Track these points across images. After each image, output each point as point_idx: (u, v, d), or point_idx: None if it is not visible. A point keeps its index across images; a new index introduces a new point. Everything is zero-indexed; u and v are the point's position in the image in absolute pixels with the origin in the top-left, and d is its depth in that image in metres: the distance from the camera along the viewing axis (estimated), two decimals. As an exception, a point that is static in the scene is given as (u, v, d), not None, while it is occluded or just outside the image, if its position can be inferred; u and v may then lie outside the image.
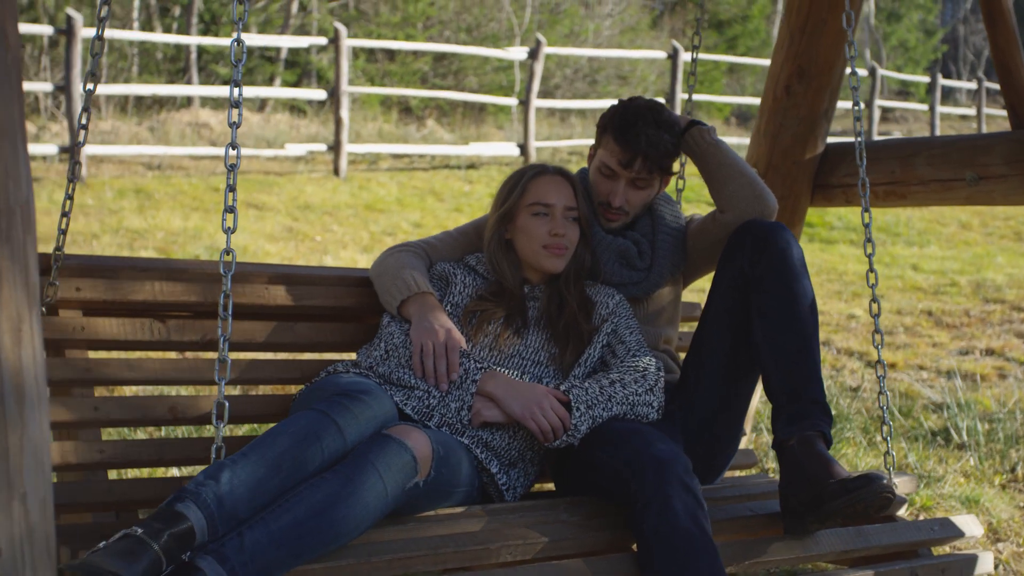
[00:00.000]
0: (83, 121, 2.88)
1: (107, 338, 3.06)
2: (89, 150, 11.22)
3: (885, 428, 3.23)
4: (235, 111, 2.55)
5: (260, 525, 2.40)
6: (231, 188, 2.56)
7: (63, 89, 11.10)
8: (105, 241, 8.83)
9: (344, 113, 13.22)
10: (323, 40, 13.50)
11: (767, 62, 18.25)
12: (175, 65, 21.28)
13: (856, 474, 2.87)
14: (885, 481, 2.83)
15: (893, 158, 4.17)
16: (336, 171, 13.33)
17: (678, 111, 17.30)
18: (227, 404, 2.56)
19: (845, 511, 2.86)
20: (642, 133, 3.31)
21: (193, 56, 20.29)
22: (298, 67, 21.65)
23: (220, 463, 2.46)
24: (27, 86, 11.85)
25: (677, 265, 3.50)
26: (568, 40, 24.31)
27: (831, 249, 11.91)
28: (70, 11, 11.07)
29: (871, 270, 3.29)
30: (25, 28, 12.07)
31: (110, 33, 14.38)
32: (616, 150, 3.35)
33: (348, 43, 13.22)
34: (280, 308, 3.35)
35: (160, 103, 18.44)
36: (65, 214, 2.95)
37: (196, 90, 15.15)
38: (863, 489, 2.82)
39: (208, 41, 15.93)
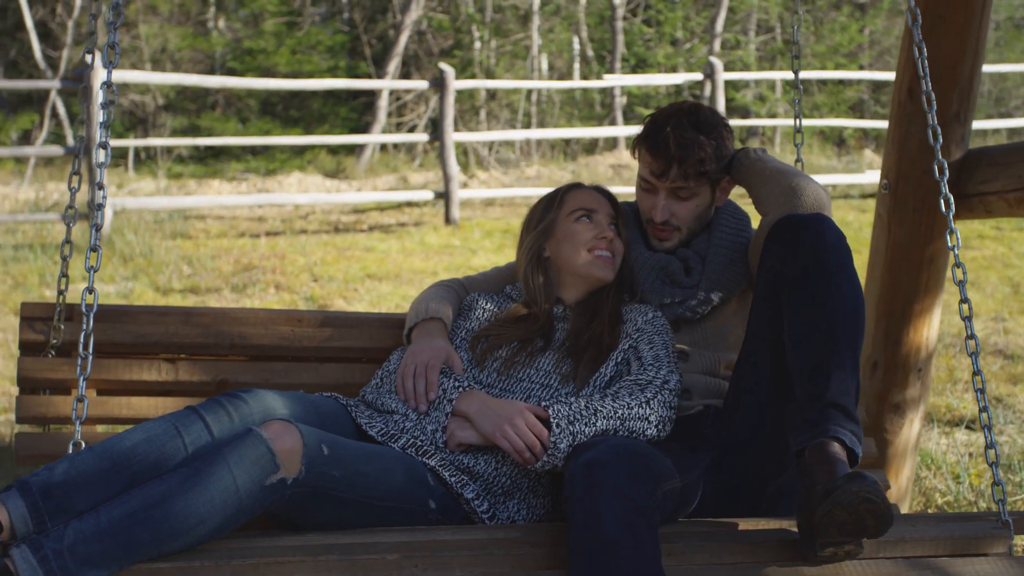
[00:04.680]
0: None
1: (113, 378, 3.04)
2: (464, 194, 11.96)
3: (991, 453, 2.76)
4: (102, 151, 2.63)
5: (91, 517, 2.28)
6: (96, 227, 2.61)
7: (437, 138, 11.91)
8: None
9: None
10: (699, 76, 13.53)
11: None
12: (605, 110, 22.07)
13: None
14: (872, 481, 2.32)
15: (1024, 161, 3.68)
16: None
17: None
18: (86, 400, 2.57)
19: (829, 522, 2.36)
20: (672, 137, 3.04)
21: (617, 99, 20.96)
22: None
23: (66, 456, 2.40)
24: (406, 137, 12.95)
25: (735, 282, 3.16)
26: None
27: None
28: (443, 65, 11.90)
29: (959, 267, 2.85)
30: (403, 84, 13.15)
31: (526, 83, 15.28)
32: (649, 160, 3.12)
33: (723, 77, 13.19)
34: (305, 349, 3.24)
35: (591, 147, 19.19)
36: (64, 259, 2.92)
37: (613, 131, 15.70)
38: (839, 491, 2.32)
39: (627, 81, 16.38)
